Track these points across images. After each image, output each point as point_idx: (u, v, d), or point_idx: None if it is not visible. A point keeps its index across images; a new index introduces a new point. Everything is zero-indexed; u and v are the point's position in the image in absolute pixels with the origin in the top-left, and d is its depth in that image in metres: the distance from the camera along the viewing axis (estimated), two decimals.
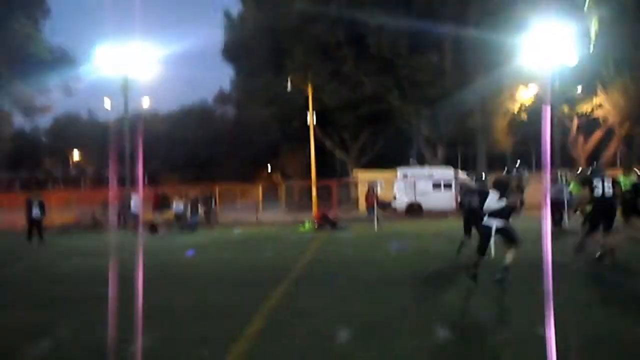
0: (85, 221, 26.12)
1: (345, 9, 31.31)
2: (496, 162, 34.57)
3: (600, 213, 10.21)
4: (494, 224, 8.29)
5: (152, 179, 53.03)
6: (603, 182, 10.14)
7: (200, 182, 35.89)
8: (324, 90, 32.37)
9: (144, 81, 29.74)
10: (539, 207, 3.81)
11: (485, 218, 8.43)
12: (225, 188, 31.48)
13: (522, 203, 8.65)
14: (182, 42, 33.92)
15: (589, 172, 11.31)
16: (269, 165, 60.53)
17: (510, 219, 8.51)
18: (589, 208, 10.71)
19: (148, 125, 49.94)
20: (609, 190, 10.12)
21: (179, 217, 23.20)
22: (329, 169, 40.17)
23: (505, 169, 9.09)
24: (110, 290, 3.80)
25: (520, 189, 8.61)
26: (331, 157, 40.20)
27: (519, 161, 9.75)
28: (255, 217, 27.17)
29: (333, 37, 31.96)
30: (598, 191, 10.06)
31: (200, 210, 24.99)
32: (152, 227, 21.47)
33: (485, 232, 8.42)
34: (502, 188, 8.34)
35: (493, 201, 8.24)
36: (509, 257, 8.36)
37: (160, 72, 30.12)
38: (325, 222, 21.74)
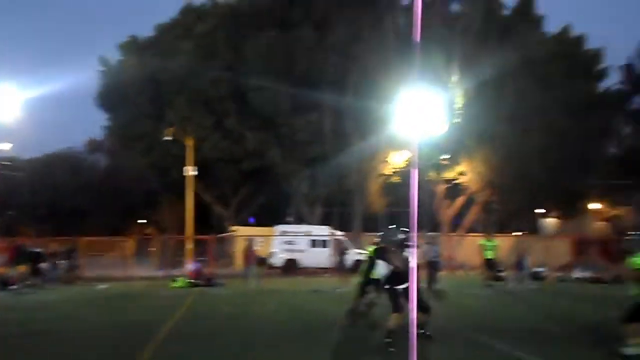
0: None
1: (228, 65, 31.62)
2: (370, 222, 35.72)
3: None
4: (396, 286, 8.36)
5: (8, 229, 48.37)
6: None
7: (64, 233, 33.29)
8: (205, 142, 31.96)
9: (3, 125, 27.60)
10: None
11: (386, 285, 8.55)
12: (91, 241, 29.44)
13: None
14: (48, 85, 32.00)
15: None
16: (142, 217, 57.83)
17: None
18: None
19: (5, 172, 45.89)
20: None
21: (37, 271, 21.13)
22: (207, 223, 39.15)
23: (382, 232, 9.26)
24: None
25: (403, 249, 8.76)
26: (209, 211, 39.29)
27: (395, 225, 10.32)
28: (124, 273, 25.50)
29: (215, 91, 31.92)
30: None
31: (61, 264, 23.05)
32: (4, 282, 19.34)
33: (391, 292, 8.45)
34: (383, 255, 8.53)
35: (382, 268, 8.42)
36: (392, 320, 8.37)
37: (23, 116, 28.08)
38: (200, 278, 20.90)
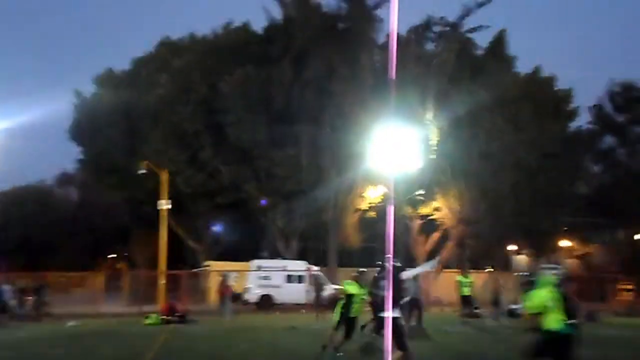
0: None
1: (205, 99, 31.66)
2: (346, 257, 35.60)
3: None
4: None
5: None
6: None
7: (34, 268, 32.46)
8: (179, 176, 31.69)
9: None
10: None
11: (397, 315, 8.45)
12: (60, 276, 28.66)
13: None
14: (19, 116, 31.45)
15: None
16: (113, 252, 56.65)
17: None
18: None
19: None
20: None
21: (3, 308, 20.41)
22: (180, 258, 38.51)
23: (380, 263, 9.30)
24: None
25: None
26: (182, 246, 38.70)
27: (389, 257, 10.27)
28: (94, 309, 24.78)
29: (191, 125, 31.82)
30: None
31: (29, 300, 22.34)
32: None
33: (400, 325, 8.32)
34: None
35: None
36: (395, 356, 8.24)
37: None
38: (173, 314, 20.40)
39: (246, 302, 26.93)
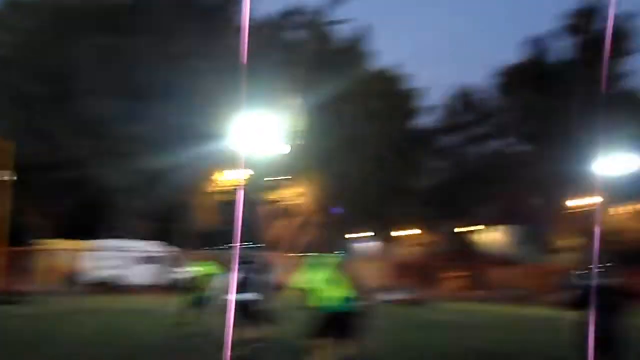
0: None
1: (55, 65, 29.19)
2: (203, 238, 35.13)
3: None
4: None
5: None
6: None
7: None
8: (18, 146, 28.93)
9: None
10: None
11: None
12: None
13: None
14: None
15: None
16: None
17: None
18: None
19: None
20: None
21: None
22: (20, 234, 35.26)
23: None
24: None
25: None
26: (18, 221, 35.42)
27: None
28: None
29: (35, 91, 29.13)
30: None
31: None
32: None
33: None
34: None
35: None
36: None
37: None
38: (2, 294, 18.59)
39: (91, 284, 25.41)
